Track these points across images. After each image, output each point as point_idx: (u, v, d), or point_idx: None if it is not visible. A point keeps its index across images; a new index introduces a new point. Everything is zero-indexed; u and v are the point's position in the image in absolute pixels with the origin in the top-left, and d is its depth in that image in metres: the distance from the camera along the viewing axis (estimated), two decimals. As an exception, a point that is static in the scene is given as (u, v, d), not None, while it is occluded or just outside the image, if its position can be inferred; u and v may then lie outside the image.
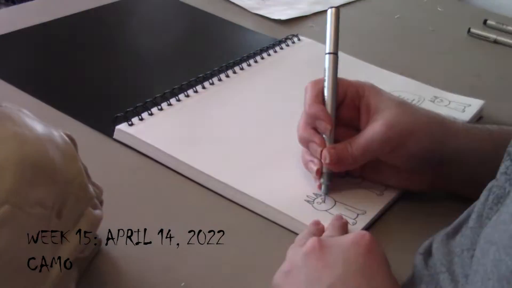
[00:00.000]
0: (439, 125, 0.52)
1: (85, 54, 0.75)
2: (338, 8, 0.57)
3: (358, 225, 0.51)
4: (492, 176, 0.38)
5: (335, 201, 0.53)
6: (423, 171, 0.53)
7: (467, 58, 0.86)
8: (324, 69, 0.55)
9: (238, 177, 0.54)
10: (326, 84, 0.54)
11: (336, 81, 0.54)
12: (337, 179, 0.55)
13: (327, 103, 0.54)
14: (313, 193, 0.53)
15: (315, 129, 0.54)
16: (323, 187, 0.53)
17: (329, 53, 0.56)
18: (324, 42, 0.84)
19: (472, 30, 0.91)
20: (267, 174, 0.55)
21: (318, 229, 0.48)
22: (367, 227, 0.51)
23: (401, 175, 0.53)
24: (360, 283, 0.38)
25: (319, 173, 0.53)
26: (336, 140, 0.53)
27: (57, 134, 0.40)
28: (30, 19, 0.80)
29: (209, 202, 0.53)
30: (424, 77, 0.75)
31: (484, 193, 0.38)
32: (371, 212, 0.52)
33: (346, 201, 0.53)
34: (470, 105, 0.69)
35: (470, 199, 0.42)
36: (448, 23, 0.96)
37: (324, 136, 0.53)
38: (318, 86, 0.54)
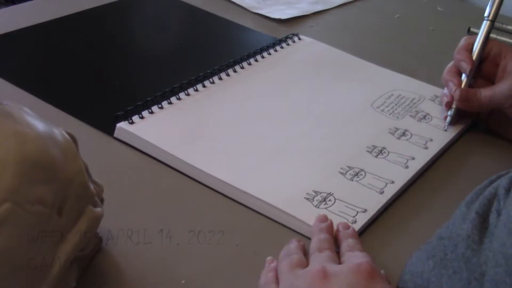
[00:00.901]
0: None
1: (86, 53, 0.75)
2: None
3: (358, 223, 0.51)
4: None
5: (335, 199, 0.53)
6: None
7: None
8: (480, 30, 0.66)
9: (238, 176, 0.54)
10: (477, 39, 0.66)
11: (486, 39, 0.65)
12: (337, 178, 0.55)
13: (473, 52, 0.65)
14: (313, 191, 0.54)
15: (458, 73, 0.65)
16: (448, 118, 0.64)
17: (487, 20, 0.66)
18: (323, 42, 0.84)
19: (472, 29, 0.91)
20: (268, 173, 0.55)
21: (301, 246, 0.47)
22: (367, 225, 0.51)
23: None
24: None
25: (449, 106, 0.65)
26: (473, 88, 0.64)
27: (58, 132, 0.40)
28: (30, 18, 0.81)
29: (209, 200, 0.53)
30: (424, 76, 0.75)
31: None
32: (371, 210, 0.52)
33: (346, 199, 0.53)
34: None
35: None
36: (448, 22, 0.96)
37: (463, 79, 0.64)
38: (470, 39, 0.66)
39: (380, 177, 0.56)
